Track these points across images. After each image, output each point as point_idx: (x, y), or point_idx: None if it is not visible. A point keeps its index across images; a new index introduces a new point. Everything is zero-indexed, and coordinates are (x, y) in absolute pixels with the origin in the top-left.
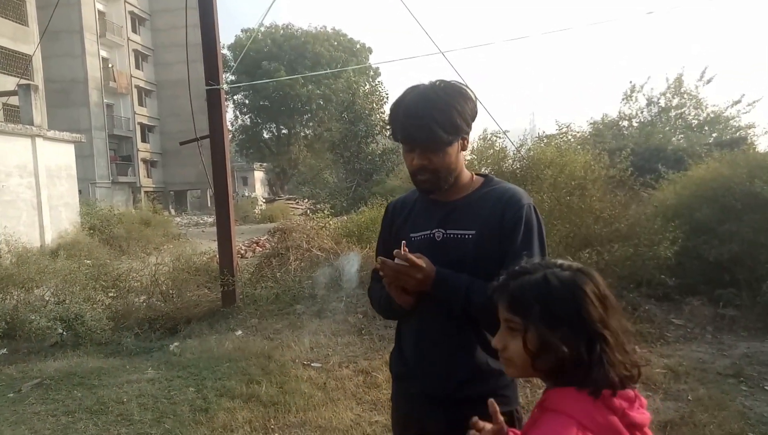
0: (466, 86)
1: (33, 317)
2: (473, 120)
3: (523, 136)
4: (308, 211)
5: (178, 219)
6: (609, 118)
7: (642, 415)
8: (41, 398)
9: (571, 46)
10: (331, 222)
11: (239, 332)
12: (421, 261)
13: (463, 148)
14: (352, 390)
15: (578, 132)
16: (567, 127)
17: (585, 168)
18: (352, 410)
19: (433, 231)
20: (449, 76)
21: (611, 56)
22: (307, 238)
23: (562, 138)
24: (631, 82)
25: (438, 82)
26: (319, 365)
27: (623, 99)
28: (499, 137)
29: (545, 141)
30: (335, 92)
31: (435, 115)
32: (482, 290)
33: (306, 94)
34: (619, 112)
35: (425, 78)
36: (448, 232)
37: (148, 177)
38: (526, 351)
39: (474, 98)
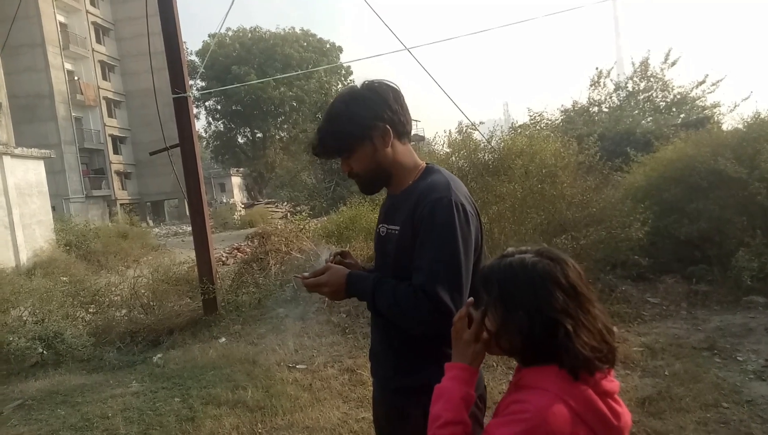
0: (372, 82)
1: (11, 338)
2: (382, 116)
3: (493, 127)
4: (288, 214)
5: (156, 230)
6: (579, 105)
7: (611, 383)
8: (24, 419)
9: (540, 35)
10: (310, 223)
11: (223, 339)
12: (323, 277)
13: (385, 144)
14: (338, 389)
15: (550, 120)
16: (539, 115)
17: (555, 155)
18: (338, 409)
19: (379, 226)
20: (417, 71)
21: (580, 42)
22: (286, 242)
23: (534, 127)
24: (597, 68)
25: (345, 91)
26: (304, 367)
27: (591, 85)
28: (474, 129)
29: (519, 130)
30: (308, 93)
31: (327, 127)
32: (387, 292)
33: (278, 96)
34: (589, 99)
35: (397, 75)
36: (388, 226)
37: (122, 189)
38: (486, 329)
39: (383, 94)
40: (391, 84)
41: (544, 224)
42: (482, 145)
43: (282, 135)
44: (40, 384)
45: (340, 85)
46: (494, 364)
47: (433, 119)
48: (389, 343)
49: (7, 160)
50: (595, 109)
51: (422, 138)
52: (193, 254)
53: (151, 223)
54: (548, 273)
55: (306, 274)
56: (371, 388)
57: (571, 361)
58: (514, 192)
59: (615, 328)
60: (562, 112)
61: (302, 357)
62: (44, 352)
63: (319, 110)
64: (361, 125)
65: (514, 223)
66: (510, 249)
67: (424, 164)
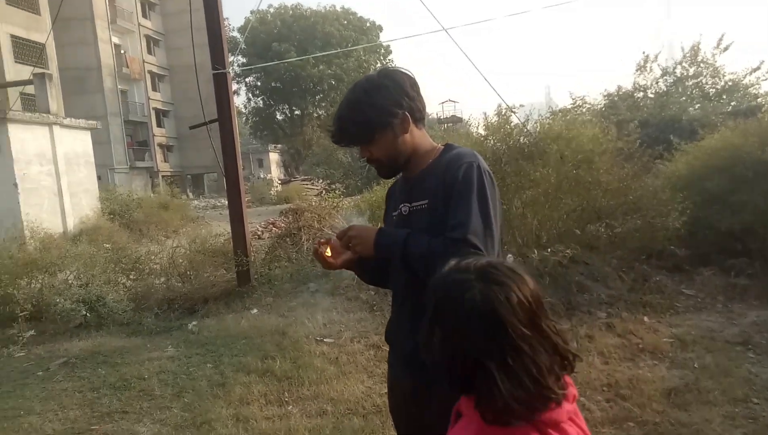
0: (388, 70)
1: (58, 300)
2: (401, 103)
3: (530, 112)
4: (323, 192)
5: (195, 202)
6: (624, 90)
7: (556, 412)
8: (68, 376)
9: (585, 16)
10: (343, 201)
11: (254, 311)
12: (351, 231)
13: (404, 130)
14: (364, 364)
15: (592, 104)
16: (581, 99)
17: (592, 141)
18: (363, 383)
19: (401, 206)
20: (457, 52)
21: (627, 25)
22: (319, 218)
23: (576, 111)
24: (644, 52)
25: (363, 79)
26: (331, 341)
27: (637, 69)
28: (512, 112)
29: (559, 115)
30: (346, 71)
31: (348, 115)
32: (421, 241)
33: (317, 74)
34: (634, 83)
35: (435, 56)
36: (412, 205)
37: (165, 161)
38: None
39: (400, 82)
40: (406, 71)
41: (578, 211)
42: (518, 128)
43: (320, 113)
44: (83, 344)
45: (378, 64)
46: None
47: (474, 101)
48: (416, 315)
49: (56, 129)
50: (641, 94)
51: (459, 119)
52: (229, 227)
53: (191, 195)
54: (476, 307)
55: (328, 236)
56: None
57: (486, 406)
58: (548, 177)
59: (646, 318)
60: (605, 96)
61: (330, 331)
62: (87, 314)
63: None
64: (382, 113)
65: (548, 208)
66: (467, 261)
67: (441, 145)
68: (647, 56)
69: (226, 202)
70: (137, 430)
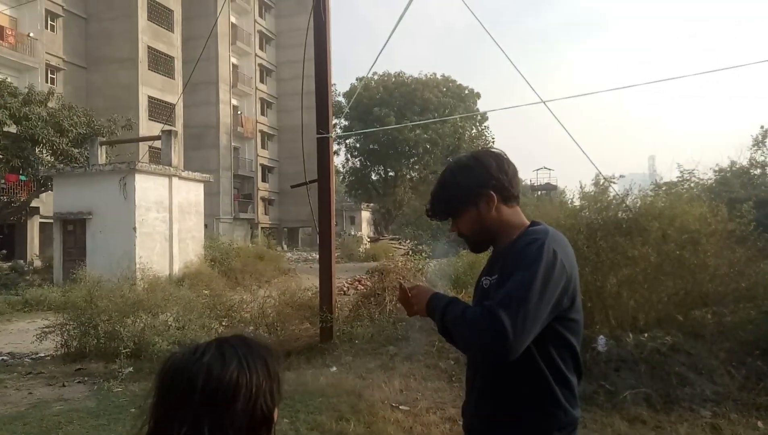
0: (478, 153)
1: (156, 340)
2: (486, 183)
3: (631, 184)
4: (409, 252)
5: (289, 254)
6: (738, 166)
7: None
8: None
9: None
10: (429, 264)
11: (334, 368)
12: (415, 289)
13: (489, 208)
14: None
15: (701, 179)
16: (690, 173)
17: (699, 220)
18: None
19: (482, 279)
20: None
21: (741, 97)
22: (400, 278)
23: (682, 185)
24: (762, 126)
25: (453, 161)
26: (407, 408)
27: (754, 144)
28: (611, 183)
29: (663, 189)
30: (441, 136)
31: (437, 194)
32: (459, 307)
33: (413, 138)
34: (750, 159)
35: (531, 122)
36: (491, 278)
37: (265, 214)
38: None
39: (486, 164)
40: (499, 152)
41: (681, 294)
42: (616, 201)
43: (413, 175)
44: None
45: (474, 130)
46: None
47: (571, 170)
48: (488, 388)
49: (175, 181)
50: (758, 171)
51: (554, 187)
52: (317, 281)
53: (285, 247)
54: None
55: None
56: None
57: None
58: (647, 256)
59: (759, 423)
60: (716, 171)
61: (406, 398)
62: None
63: (451, 153)
64: (466, 193)
65: (647, 289)
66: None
67: (528, 222)
68: (766, 131)
69: (317, 257)
70: None
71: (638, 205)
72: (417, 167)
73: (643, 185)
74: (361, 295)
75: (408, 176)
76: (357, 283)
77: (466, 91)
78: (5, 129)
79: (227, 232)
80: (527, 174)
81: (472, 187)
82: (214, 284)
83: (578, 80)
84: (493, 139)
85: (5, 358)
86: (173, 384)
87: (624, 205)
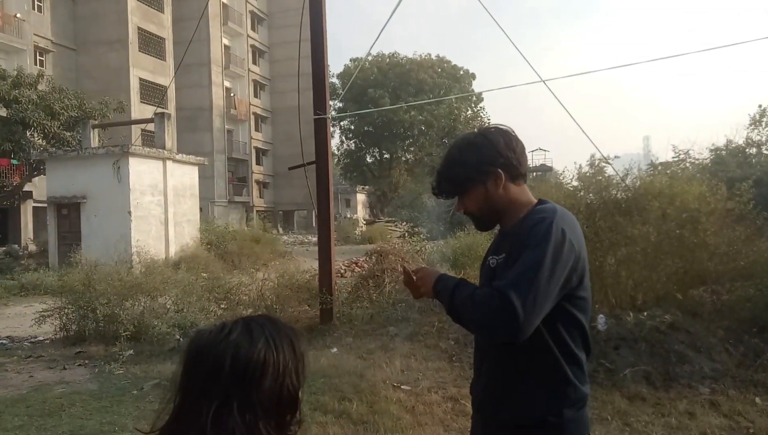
0: (485, 130)
1: (155, 323)
2: (494, 161)
3: (629, 164)
4: (406, 234)
5: (285, 237)
6: (734, 145)
7: None
8: (159, 397)
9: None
10: (426, 246)
11: (334, 349)
12: (420, 272)
13: (496, 186)
14: (440, 416)
15: (697, 159)
16: (685, 153)
17: (699, 199)
18: None
19: (489, 258)
20: (550, 100)
21: (736, 76)
22: (403, 261)
23: (678, 165)
24: (760, 105)
25: (460, 137)
26: (408, 388)
27: (751, 123)
28: (607, 163)
29: (659, 168)
30: (437, 118)
31: (443, 171)
32: (468, 288)
33: (408, 120)
34: (746, 138)
35: (524, 105)
36: (498, 257)
37: (260, 197)
38: None
39: (494, 141)
40: (505, 129)
41: (680, 273)
42: (615, 181)
43: (408, 157)
44: (174, 367)
45: (469, 112)
46: (608, 417)
47: (566, 150)
48: (497, 366)
49: (169, 164)
50: (753, 150)
51: (549, 168)
52: (315, 264)
53: (281, 230)
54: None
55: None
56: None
57: None
58: (647, 235)
59: (757, 399)
60: (712, 151)
61: (407, 378)
62: (180, 338)
63: (447, 135)
64: (473, 170)
65: (645, 268)
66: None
67: (536, 200)
68: (764, 109)
69: (314, 239)
70: None
71: (638, 184)
72: (412, 149)
73: (640, 166)
74: (359, 276)
75: (403, 158)
76: (354, 265)
77: (461, 72)
78: None
79: (222, 216)
80: None
81: (479, 165)
82: (211, 267)
83: (571, 62)
84: (488, 120)
85: (4, 341)
86: (201, 361)
87: (623, 184)
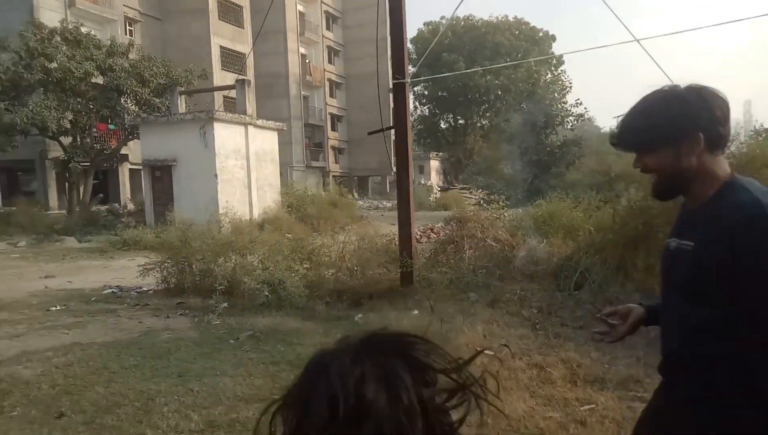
0: (699, 87)
1: (246, 279)
2: (699, 123)
3: (734, 130)
4: (481, 202)
5: (360, 202)
6: None
7: None
8: (254, 347)
9: None
10: (506, 214)
11: (415, 312)
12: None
13: (690, 151)
14: (525, 382)
15: None
16: None
17: None
18: (525, 402)
19: (670, 240)
20: (639, 65)
21: None
22: (482, 229)
23: None
24: None
25: (665, 88)
26: (491, 353)
27: None
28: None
29: (763, 135)
30: (514, 82)
31: (632, 122)
32: None
33: (484, 84)
34: None
35: (614, 67)
36: (681, 242)
37: (335, 162)
38: None
39: (709, 102)
40: (721, 95)
41: None
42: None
43: (483, 123)
44: (265, 321)
45: (549, 75)
46: None
47: None
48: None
49: (251, 129)
50: None
51: None
52: (392, 228)
53: (356, 195)
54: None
55: (607, 314)
56: (560, 389)
57: None
58: None
59: None
60: None
61: (490, 343)
62: (269, 295)
63: (525, 100)
64: (672, 127)
65: None
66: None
67: (728, 175)
68: None
69: (388, 205)
70: None
71: (744, 150)
72: (488, 115)
73: (740, 132)
74: (438, 242)
75: (479, 124)
76: (429, 231)
77: (540, 34)
78: (93, 80)
79: (300, 180)
80: (606, 120)
81: (683, 123)
82: (293, 229)
83: (662, 22)
84: (570, 84)
85: (115, 290)
86: (317, 399)
87: (728, 152)
